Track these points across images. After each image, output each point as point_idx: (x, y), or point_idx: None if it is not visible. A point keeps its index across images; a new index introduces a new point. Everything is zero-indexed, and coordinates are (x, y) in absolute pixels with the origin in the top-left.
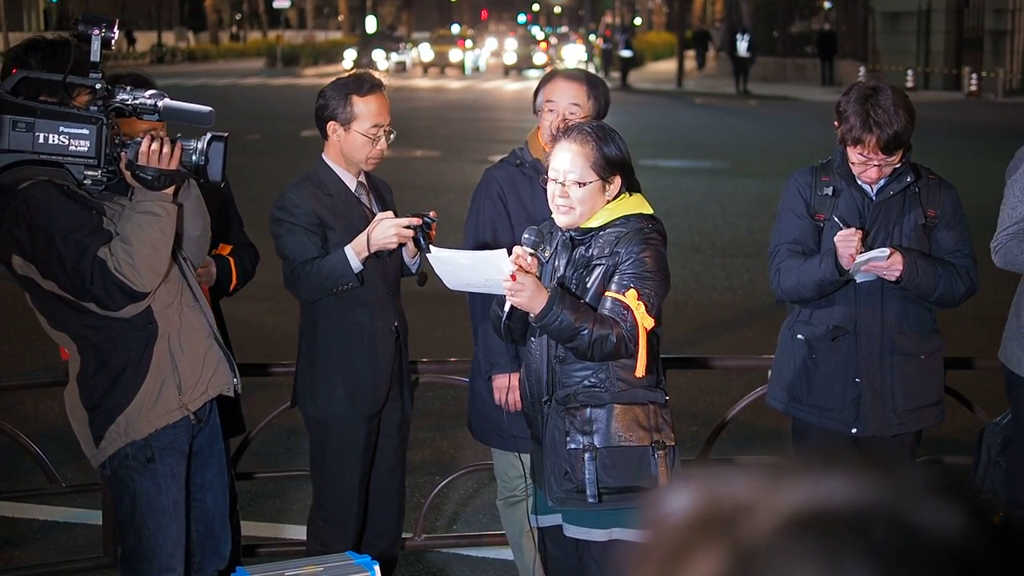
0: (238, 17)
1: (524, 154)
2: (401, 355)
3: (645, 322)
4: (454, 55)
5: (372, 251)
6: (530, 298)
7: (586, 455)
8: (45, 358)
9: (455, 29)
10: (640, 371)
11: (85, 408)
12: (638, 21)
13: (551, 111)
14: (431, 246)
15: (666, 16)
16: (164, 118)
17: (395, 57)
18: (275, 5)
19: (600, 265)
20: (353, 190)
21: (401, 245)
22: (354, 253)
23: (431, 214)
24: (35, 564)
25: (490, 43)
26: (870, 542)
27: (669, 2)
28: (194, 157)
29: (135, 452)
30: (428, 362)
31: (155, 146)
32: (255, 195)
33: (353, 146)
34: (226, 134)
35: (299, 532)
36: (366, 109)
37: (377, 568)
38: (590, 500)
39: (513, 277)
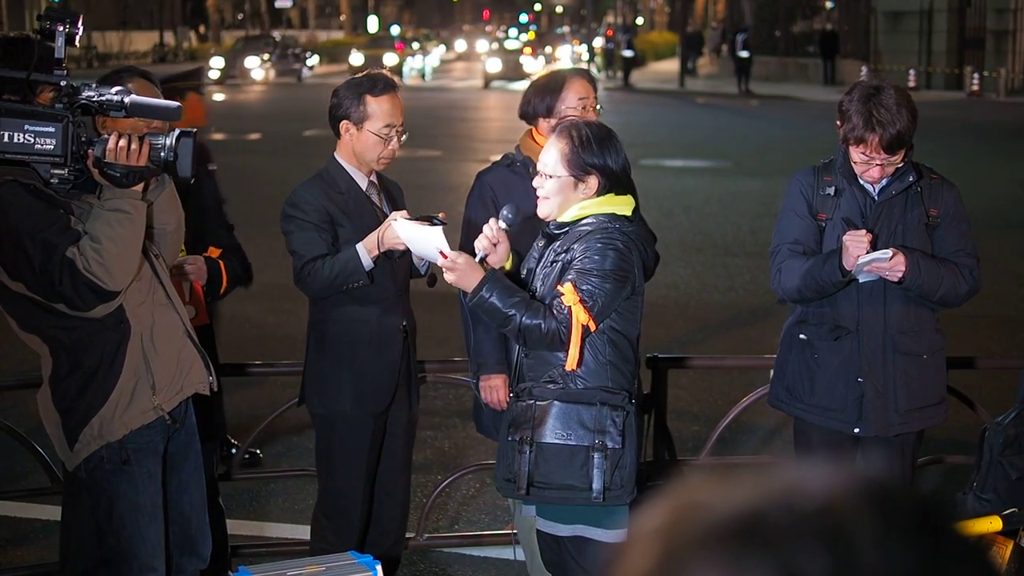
0: (242, 16)
1: (516, 155)
2: (409, 354)
3: (580, 316)
4: (388, 60)
5: (383, 250)
6: (461, 277)
7: (523, 447)
8: None
9: (395, 30)
10: (570, 364)
11: (58, 411)
12: (640, 21)
13: (583, 109)
14: (396, 214)
15: (668, 16)
16: (131, 114)
17: (290, 64)
18: (277, 5)
19: (559, 260)
20: (364, 189)
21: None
22: (365, 251)
23: (440, 216)
24: (37, 563)
25: (459, 45)
26: (775, 554)
27: (671, 2)
28: (163, 153)
29: (110, 454)
30: (431, 361)
31: (123, 143)
32: (256, 194)
33: (365, 145)
34: (194, 130)
35: (301, 531)
36: (379, 109)
37: (379, 568)
38: (520, 492)
39: (443, 255)
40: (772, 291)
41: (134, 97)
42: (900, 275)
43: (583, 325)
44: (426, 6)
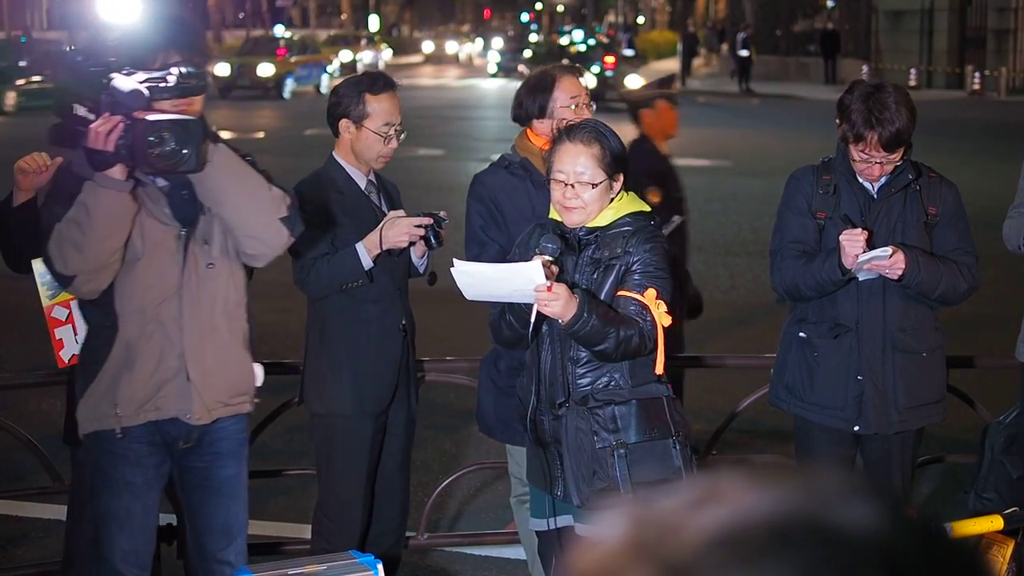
0: (243, 15)
1: (512, 156)
2: (408, 354)
3: (663, 320)
4: (263, 70)
5: (384, 248)
6: (564, 306)
7: (616, 453)
8: (47, 358)
9: (279, 30)
10: (659, 368)
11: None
12: (641, 20)
13: (575, 107)
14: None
15: (669, 15)
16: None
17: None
18: (278, 4)
19: (614, 265)
20: (363, 188)
21: (410, 243)
22: (366, 251)
23: (442, 213)
24: (38, 563)
25: (426, 46)
26: (791, 552)
27: (672, 1)
28: (141, 139)
29: (93, 445)
30: (432, 360)
31: (100, 124)
32: None
33: (364, 144)
34: (189, 118)
35: (302, 531)
36: (378, 107)
37: (380, 567)
38: (627, 496)
39: (549, 288)
40: (773, 290)
41: (113, 82)
42: (900, 273)
43: (664, 328)
44: (427, 5)
